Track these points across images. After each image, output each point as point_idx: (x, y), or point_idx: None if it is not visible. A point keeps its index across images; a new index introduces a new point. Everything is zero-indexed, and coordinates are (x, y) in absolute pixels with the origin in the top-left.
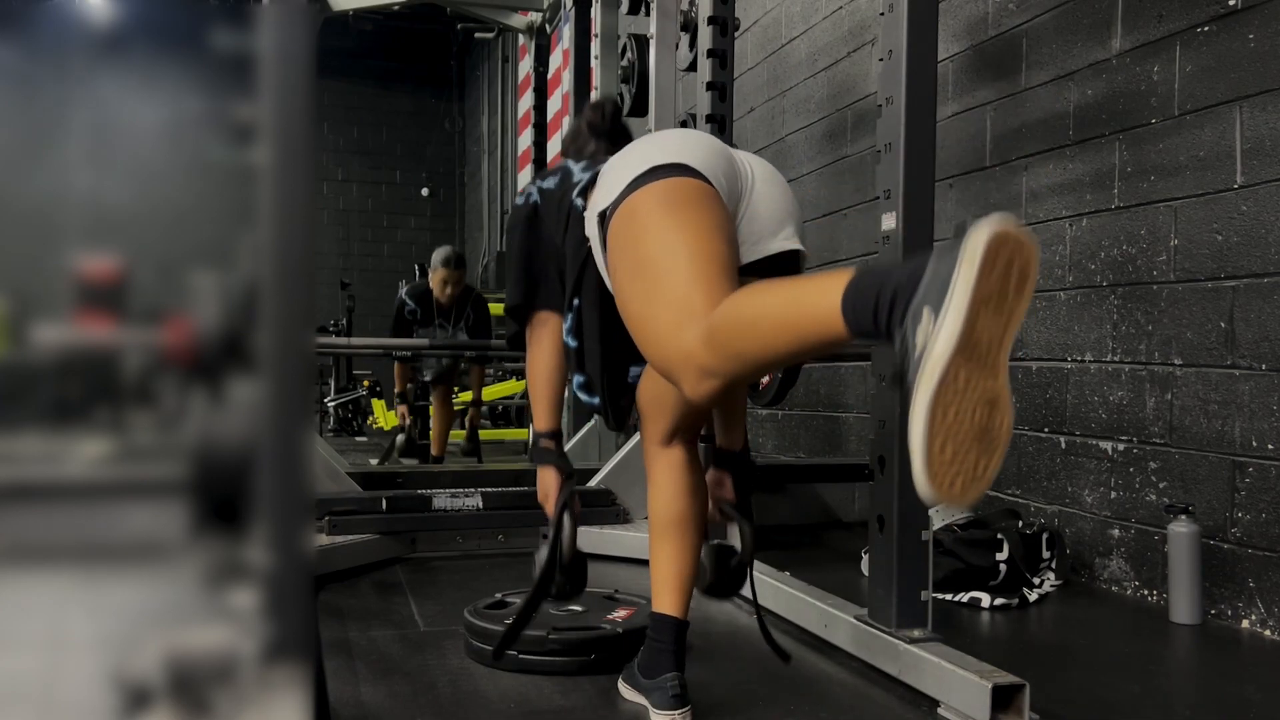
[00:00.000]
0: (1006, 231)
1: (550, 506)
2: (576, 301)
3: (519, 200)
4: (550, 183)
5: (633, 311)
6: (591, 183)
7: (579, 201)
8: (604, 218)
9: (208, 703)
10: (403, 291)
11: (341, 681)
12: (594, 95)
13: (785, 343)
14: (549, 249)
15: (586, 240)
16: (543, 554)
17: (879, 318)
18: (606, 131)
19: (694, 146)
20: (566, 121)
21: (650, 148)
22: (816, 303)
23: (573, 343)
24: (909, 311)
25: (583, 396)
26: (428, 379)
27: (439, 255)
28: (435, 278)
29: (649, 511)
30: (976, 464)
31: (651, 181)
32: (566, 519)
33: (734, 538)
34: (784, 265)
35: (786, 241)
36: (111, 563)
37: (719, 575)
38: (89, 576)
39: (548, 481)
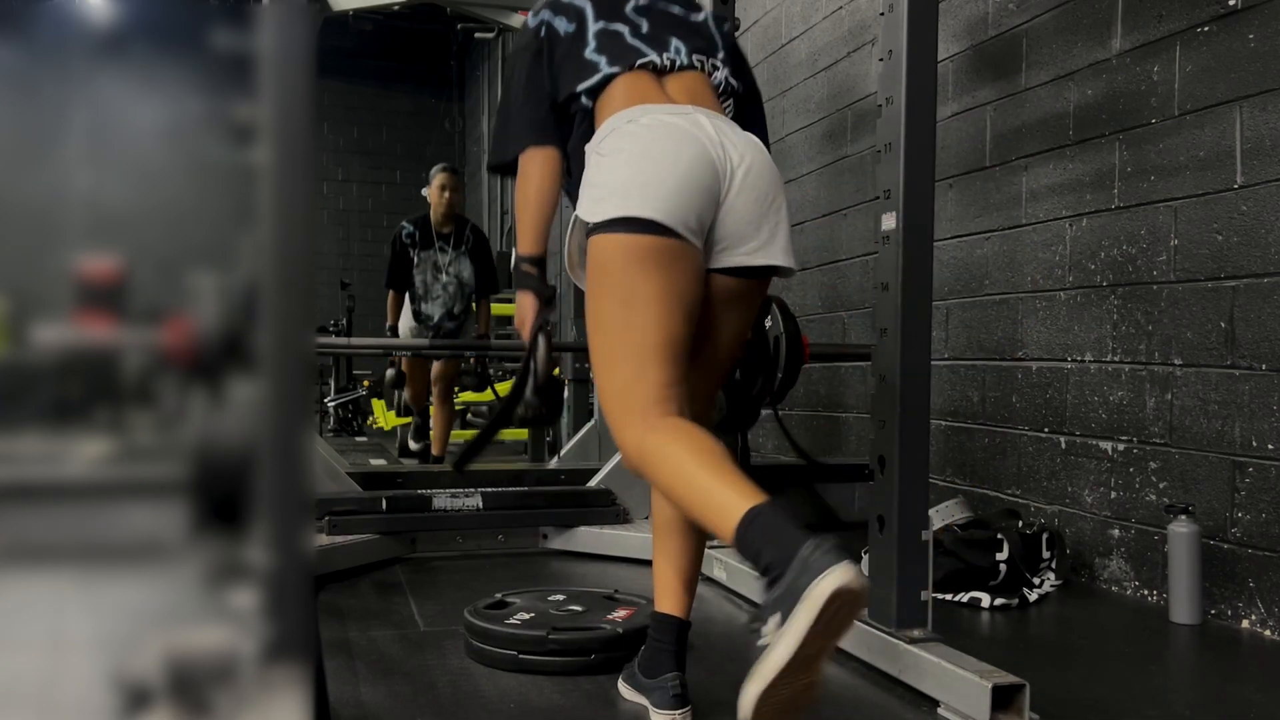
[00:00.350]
0: (843, 591)
1: (526, 331)
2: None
3: (531, 22)
4: (563, 25)
5: (594, 360)
6: (602, 85)
7: (586, 102)
8: (587, 229)
9: (208, 703)
10: (403, 221)
11: (341, 681)
12: None
13: (687, 514)
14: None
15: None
16: (516, 378)
17: (755, 568)
18: None
19: (673, 187)
20: None
21: (632, 173)
22: (716, 520)
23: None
24: (770, 596)
25: None
26: (426, 313)
27: (435, 168)
28: (433, 187)
29: (652, 510)
30: (786, 717)
31: (623, 232)
32: (542, 341)
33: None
34: (754, 271)
35: (749, 257)
36: (111, 563)
37: (733, 408)
38: (89, 576)
39: (526, 305)
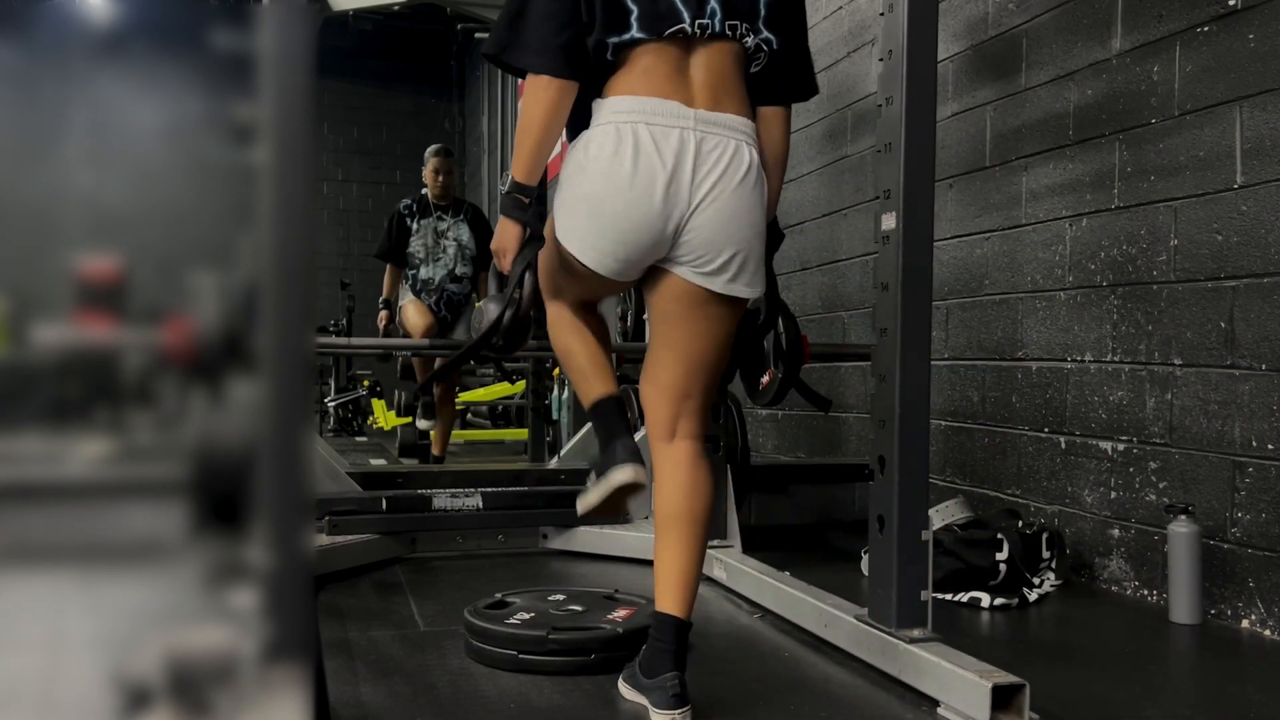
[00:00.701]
0: (630, 483)
1: (506, 261)
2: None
3: None
4: None
5: (545, 250)
6: (630, 46)
7: (611, 56)
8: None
9: (208, 703)
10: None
11: (341, 681)
12: None
13: (569, 377)
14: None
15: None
16: (492, 310)
17: (598, 440)
18: None
19: (623, 240)
20: None
21: (588, 222)
22: (583, 393)
23: None
24: (599, 462)
25: None
26: (426, 277)
27: (429, 150)
28: (428, 170)
29: (654, 509)
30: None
31: (575, 260)
32: (528, 278)
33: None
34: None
35: (706, 280)
36: (111, 563)
37: (740, 345)
38: (89, 576)
39: (508, 235)
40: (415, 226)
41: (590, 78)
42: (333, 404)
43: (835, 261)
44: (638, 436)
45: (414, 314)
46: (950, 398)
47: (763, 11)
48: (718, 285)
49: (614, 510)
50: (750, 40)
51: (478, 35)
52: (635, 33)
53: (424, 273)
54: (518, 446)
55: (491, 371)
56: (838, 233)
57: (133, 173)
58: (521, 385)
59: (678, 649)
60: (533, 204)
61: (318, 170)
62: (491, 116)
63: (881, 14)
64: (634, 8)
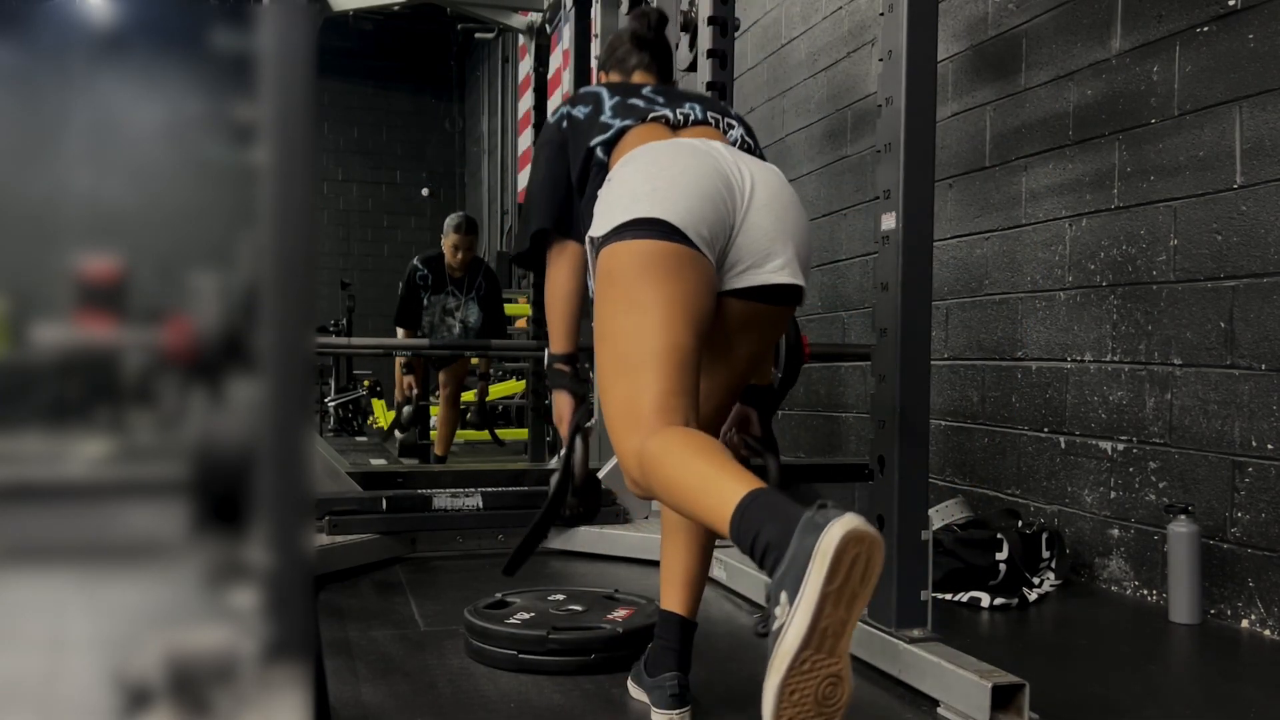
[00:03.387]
0: (856, 534)
1: (564, 429)
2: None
3: (551, 119)
4: (581, 111)
5: (600, 373)
6: (616, 138)
7: (602, 156)
8: (594, 244)
9: (208, 703)
10: (415, 258)
11: (341, 681)
12: None
13: (690, 515)
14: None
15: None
16: (555, 478)
17: (754, 556)
18: (650, 42)
19: (684, 189)
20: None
21: (643, 181)
22: (714, 508)
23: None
24: (773, 578)
25: None
26: (433, 353)
27: (451, 221)
28: (447, 243)
29: (662, 508)
30: None
31: (632, 238)
32: (579, 442)
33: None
34: (773, 295)
35: (772, 275)
36: (111, 563)
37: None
38: (89, 576)
39: (562, 404)
40: (426, 300)
41: (590, 186)
42: (333, 404)
43: (835, 261)
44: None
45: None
46: (950, 398)
47: (736, 118)
48: (785, 276)
49: (852, 607)
50: (734, 133)
51: (478, 35)
52: (619, 125)
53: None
54: (518, 446)
55: (492, 372)
56: (838, 233)
57: (133, 173)
58: (521, 385)
59: (681, 648)
60: (574, 370)
61: (318, 170)
62: (491, 116)
63: (881, 14)
64: (614, 120)
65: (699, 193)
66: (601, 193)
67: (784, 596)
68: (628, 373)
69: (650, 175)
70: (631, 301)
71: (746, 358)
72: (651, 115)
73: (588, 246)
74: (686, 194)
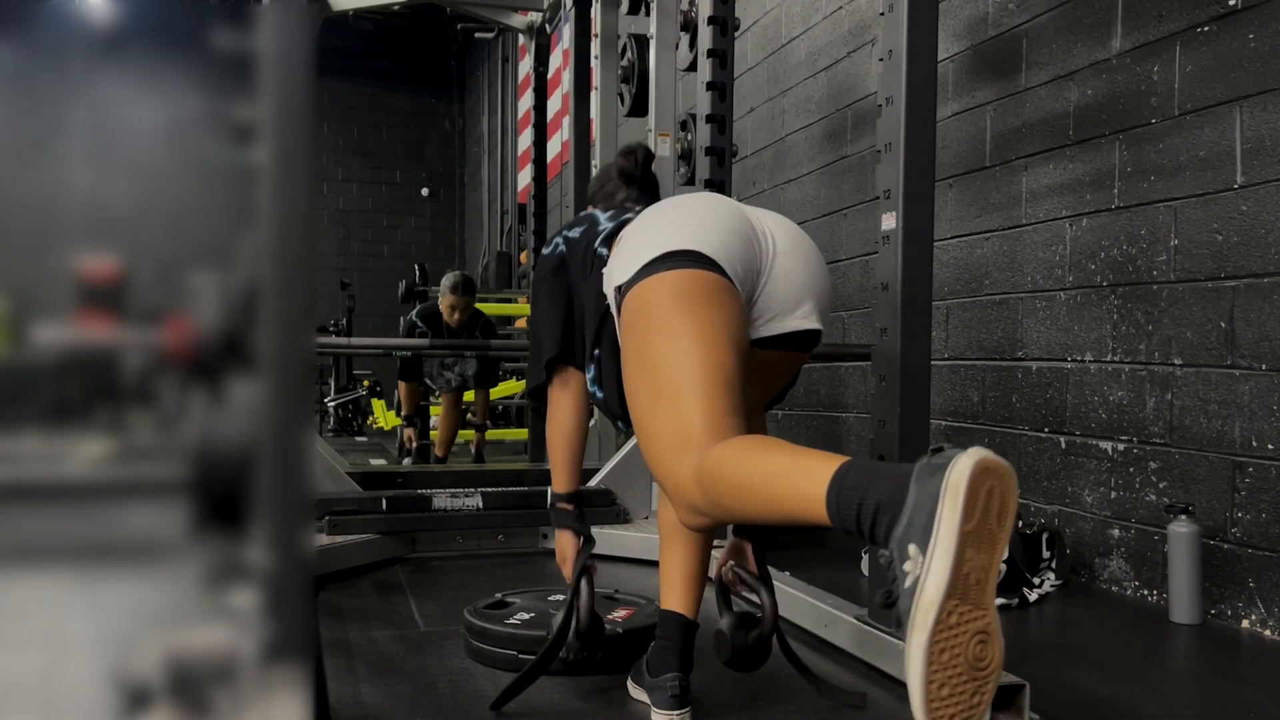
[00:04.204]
0: (988, 464)
1: (568, 570)
2: (597, 352)
3: (546, 251)
4: (576, 232)
5: (637, 409)
6: (616, 231)
7: (602, 251)
8: (619, 290)
9: (208, 703)
10: (412, 313)
11: (341, 681)
12: (597, 96)
13: (771, 514)
14: (576, 301)
15: (605, 297)
16: (558, 618)
17: (862, 526)
18: (638, 179)
19: (712, 226)
20: (567, 122)
21: (668, 223)
22: (803, 489)
23: (599, 394)
24: (893, 538)
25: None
26: (437, 389)
27: (447, 281)
28: (444, 303)
29: (659, 509)
30: (971, 699)
31: (664, 270)
32: (584, 585)
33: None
34: (799, 341)
35: (802, 321)
36: (111, 563)
37: (739, 648)
38: (89, 576)
39: (565, 545)
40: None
41: (594, 282)
42: (333, 404)
43: (835, 261)
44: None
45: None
46: (950, 398)
47: None
48: (812, 322)
49: (993, 546)
50: None
51: (478, 35)
52: (618, 224)
53: (431, 384)
54: (517, 446)
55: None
56: (838, 233)
57: (133, 173)
58: (522, 385)
59: (683, 648)
60: (578, 509)
61: (318, 170)
62: (491, 116)
63: (881, 14)
64: (609, 220)
65: (729, 229)
66: (619, 247)
67: (913, 549)
68: (670, 397)
69: (674, 218)
70: (668, 330)
71: (758, 400)
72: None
73: (610, 298)
74: (718, 229)
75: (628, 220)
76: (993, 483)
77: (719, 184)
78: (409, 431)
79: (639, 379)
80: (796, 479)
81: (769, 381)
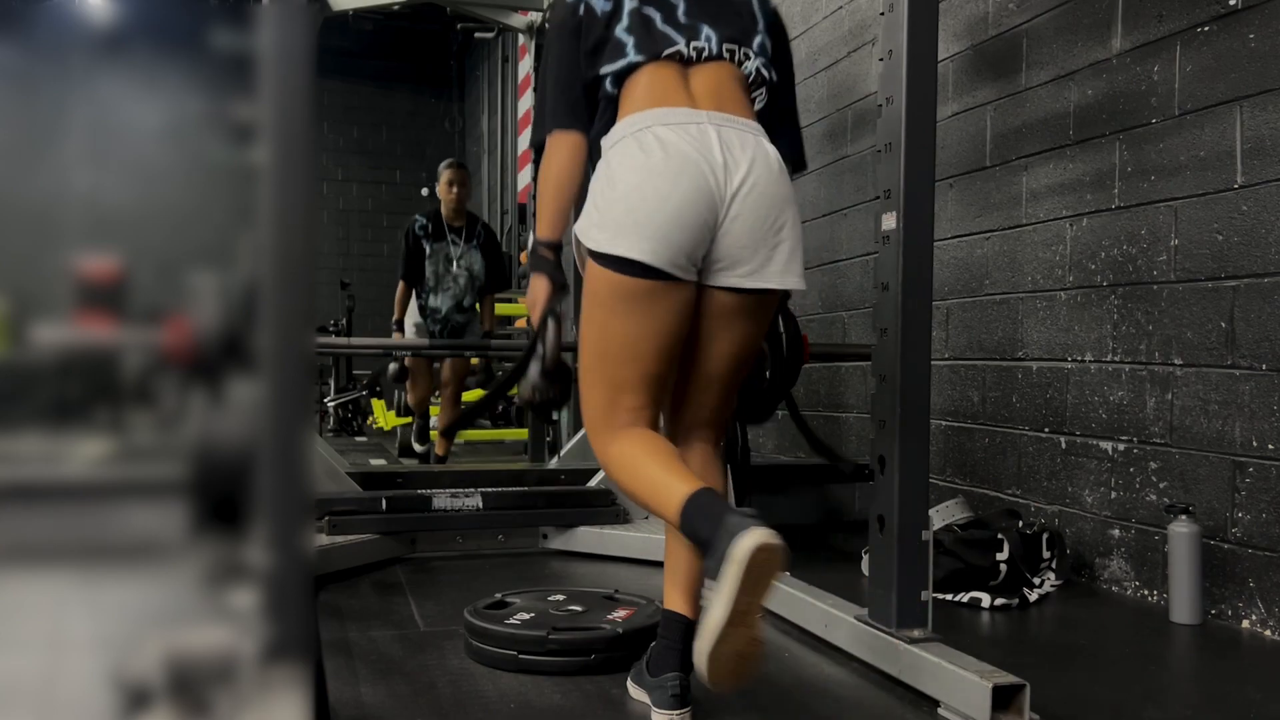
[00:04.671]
0: (762, 546)
1: (536, 313)
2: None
3: None
4: (600, 2)
5: (582, 361)
6: (627, 71)
7: (610, 88)
8: (580, 243)
9: (208, 703)
10: (414, 217)
11: (341, 681)
12: None
13: (645, 504)
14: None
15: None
16: (522, 353)
17: (698, 545)
18: None
19: (668, 216)
20: None
21: (625, 211)
22: (665, 508)
23: None
24: (706, 569)
25: None
26: (434, 305)
27: (443, 163)
28: (442, 183)
29: None
30: (739, 668)
31: (614, 270)
32: (551, 324)
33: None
34: (760, 292)
35: (743, 279)
36: (111, 563)
37: (745, 399)
38: (89, 576)
39: (539, 289)
40: (429, 249)
41: (598, 121)
42: (333, 404)
43: (835, 261)
44: None
45: (416, 369)
46: (950, 398)
47: (758, 38)
48: (771, 280)
49: (758, 596)
50: (749, 65)
51: (478, 35)
52: (632, 57)
53: (432, 301)
54: (518, 446)
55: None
56: (838, 233)
57: (133, 173)
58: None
59: (684, 648)
60: (557, 257)
61: (318, 170)
62: (491, 116)
63: (881, 14)
64: (627, 38)
65: (680, 223)
66: (595, 182)
67: (709, 583)
68: (600, 388)
69: (633, 205)
70: (609, 330)
71: (734, 347)
72: (666, 51)
73: (574, 240)
74: (666, 228)
75: (639, 65)
76: (766, 555)
77: None
78: (398, 336)
79: (583, 346)
80: (661, 497)
81: (733, 326)
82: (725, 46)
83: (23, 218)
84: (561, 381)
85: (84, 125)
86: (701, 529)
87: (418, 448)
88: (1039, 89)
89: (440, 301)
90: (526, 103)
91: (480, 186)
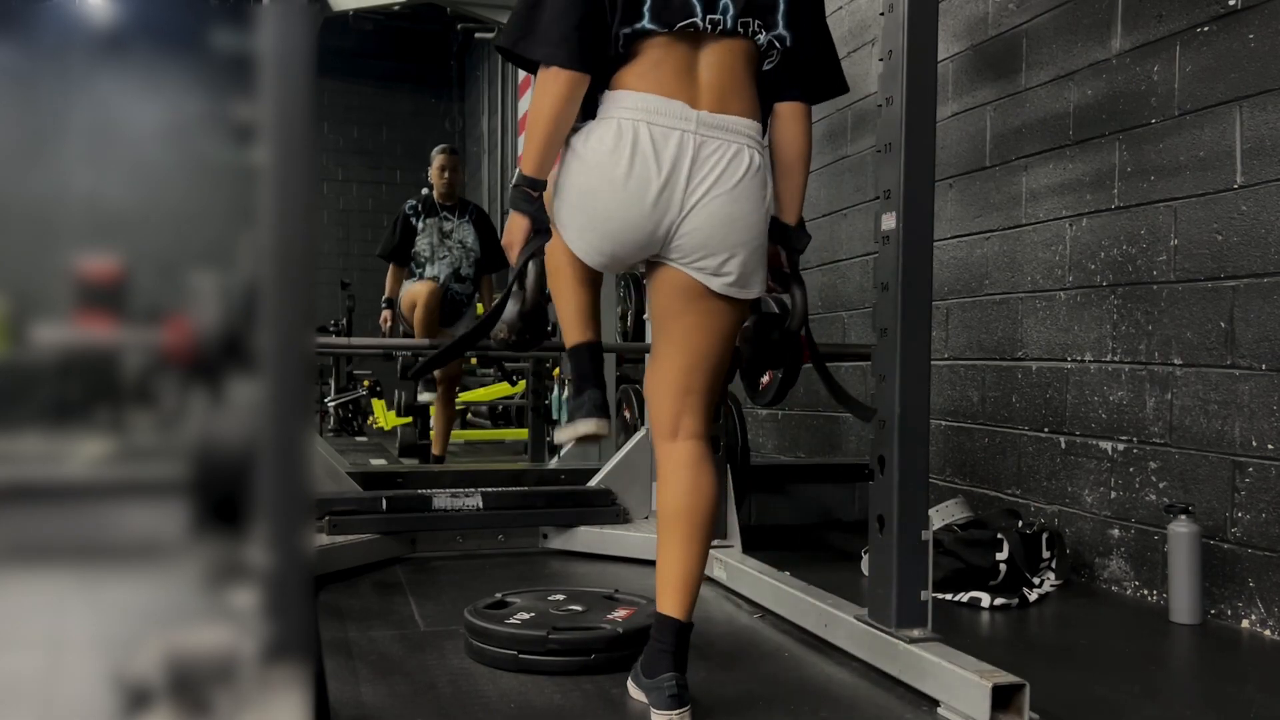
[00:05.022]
0: (589, 434)
1: (514, 253)
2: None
3: None
4: None
5: (552, 287)
6: (641, 36)
7: (622, 47)
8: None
9: (208, 703)
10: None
11: (341, 681)
12: None
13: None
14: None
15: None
16: (501, 296)
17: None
18: None
19: (612, 232)
20: None
21: (584, 216)
22: (568, 338)
23: None
24: (570, 410)
25: None
26: (431, 275)
27: (435, 149)
28: (433, 168)
29: (657, 507)
30: None
31: (564, 251)
32: (532, 267)
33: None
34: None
35: (699, 275)
36: (111, 563)
37: (761, 346)
38: (89, 576)
39: (516, 228)
40: (420, 225)
41: (601, 70)
42: (333, 404)
43: (835, 261)
44: (640, 434)
45: (419, 286)
46: (950, 398)
47: (781, 6)
48: (715, 285)
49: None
50: (763, 37)
51: (478, 35)
52: (647, 23)
53: (429, 271)
54: (518, 446)
55: (492, 372)
56: (838, 233)
57: (133, 173)
58: (522, 385)
59: (677, 650)
60: (540, 197)
61: (318, 170)
62: (491, 116)
63: (881, 14)
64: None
65: (618, 240)
66: (569, 160)
67: (562, 420)
68: (565, 313)
69: (583, 207)
70: (562, 282)
71: (700, 334)
72: (680, 23)
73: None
74: (606, 239)
75: (653, 35)
76: (590, 438)
77: None
78: (386, 313)
79: (550, 263)
80: (568, 331)
81: (695, 309)
82: (741, 21)
83: (23, 218)
84: (538, 323)
85: (84, 125)
86: (574, 376)
87: (425, 396)
88: (1039, 89)
89: (437, 270)
90: (527, 103)
91: (480, 187)
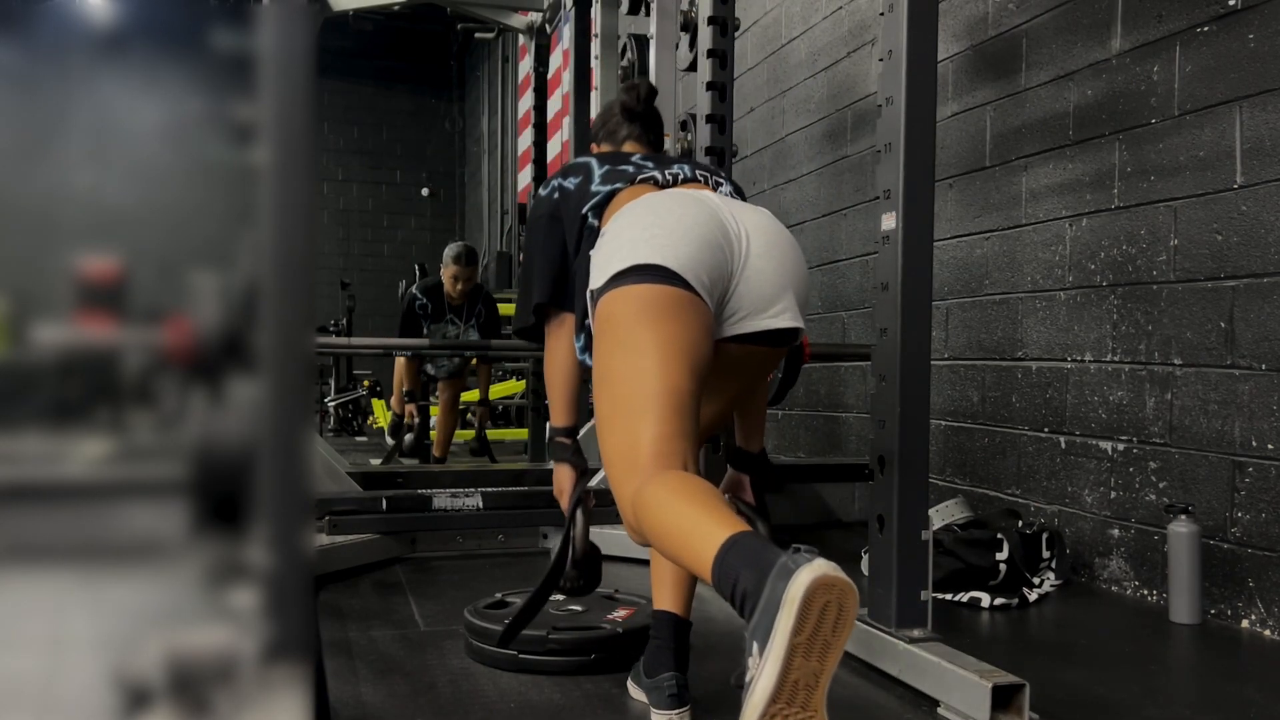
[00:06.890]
0: (825, 580)
1: (565, 502)
2: (588, 322)
3: (543, 192)
4: (572, 182)
5: (599, 418)
6: (606, 201)
7: (593, 221)
8: (593, 296)
9: (208, 703)
10: (414, 287)
11: (341, 681)
12: (597, 96)
13: (679, 562)
14: (569, 253)
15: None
16: (555, 549)
17: (734, 604)
18: (640, 114)
19: (682, 237)
20: (567, 123)
21: (641, 230)
22: (700, 552)
23: (588, 362)
24: (748, 628)
25: None
26: (435, 375)
27: (450, 251)
28: (447, 273)
29: None
30: None
31: (631, 283)
32: (580, 515)
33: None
34: (772, 338)
35: (773, 320)
36: (111, 563)
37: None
38: (89, 576)
39: (563, 477)
40: (427, 330)
41: (583, 247)
42: (333, 404)
43: (835, 261)
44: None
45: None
46: (950, 398)
47: (725, 182)
48: (786, 321)
49: (822, 656)
50: (724, 189)
51: (478, 35)
52: (609, 188)
53: (429, 369)
54: (517, 447)
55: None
56: (838, 233)
57: (133, 173)
58: (522, 385)
59: (677, 648)
60: (575, 443)
61: (318, 170)
62: (491, 116)
63: (881, 14)
64: (602, 186)
65: (698, 239)
66: (596, 250)
67: (755, 647)
68: (626, 416)
69: (647, 224)
70: (630, 345)
71: (738, 390)
72: (640, 177)
73: (586, 301)
74: (686, 240)
75: (618, 191)
76: (829, 597)
77: None
78: (409, 407)
79: (602, 389)
80: (697, 541)
81: (744, 375)
82: (699, 173)
83: (23, 218)
84: (593, 568)
85: (84, 125)
86: (743, 579)
87: (390, 441)
88: (1039, 89)
89: (435, 370)
90: (527, 103)
91: (480, 187)
